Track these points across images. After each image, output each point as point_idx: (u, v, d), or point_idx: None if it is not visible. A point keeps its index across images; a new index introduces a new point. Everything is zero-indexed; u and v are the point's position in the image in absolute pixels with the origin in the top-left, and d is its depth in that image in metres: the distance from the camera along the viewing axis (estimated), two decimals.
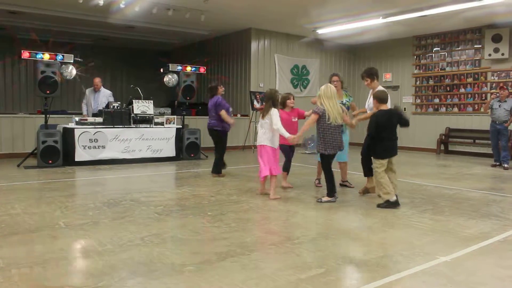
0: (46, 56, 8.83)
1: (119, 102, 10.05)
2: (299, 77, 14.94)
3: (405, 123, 5.81)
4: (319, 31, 13.44)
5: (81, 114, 10.61)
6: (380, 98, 5.68)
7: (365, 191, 6.27)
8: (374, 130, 5.61)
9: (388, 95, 5.90)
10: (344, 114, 5.85)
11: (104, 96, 10.54)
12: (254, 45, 13.91)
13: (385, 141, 5.61)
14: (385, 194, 5.51)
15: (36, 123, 10.26)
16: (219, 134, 7.94)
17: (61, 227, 4.43)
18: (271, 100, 6.11)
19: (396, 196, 5.59)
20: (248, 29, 13.85)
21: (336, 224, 4.88)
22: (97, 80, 10.52)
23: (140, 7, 10.49)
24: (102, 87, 10.63)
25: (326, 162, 5.85)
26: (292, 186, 6.87)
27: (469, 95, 12.98)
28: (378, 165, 5.58)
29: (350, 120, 6.09)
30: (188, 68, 10.83)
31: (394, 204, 5.49)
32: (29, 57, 8.76)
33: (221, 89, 8.15)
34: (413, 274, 3.29)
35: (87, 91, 10.65)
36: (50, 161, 8.75)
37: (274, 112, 5.99)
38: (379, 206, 5.54)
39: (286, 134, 5.88)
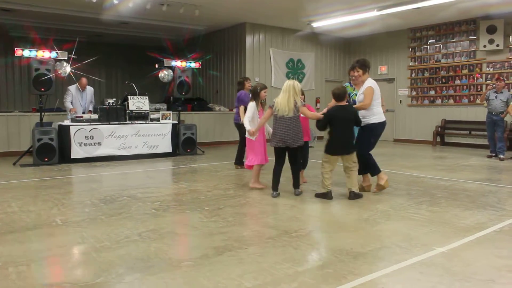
0: (40, 54, 8.77)
1: (114, 99, 10.00)
2: (295, 71, 14.92)
3: (358, 123, 5.76)
4: (314, 25, 13.41)
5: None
6: (336, 95, 5.58)
7: (361, 189, 6.05)
8: (323, 124, 5.61)
9: (374, 89, 5.75)
10: (302, 106, 5.65)
11: (90, 95, 10.39)
12: (249, 40, 13.87)
13: (335, 138, 5.57)
14: (322, 188, 5.64)
15: (31, 121, 10.21)
16: (239, 127, 8.16)
17: (58, 225, 4.42)
18: (252, 93, 6.39)
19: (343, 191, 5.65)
20: (242, 24, 13.81)
21: (333, 217, 4.88)
22: (85, 80, 10.19)
23: (134, 3, 10.43)
24: None
25: (275, 154, 5.89)
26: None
27: (465, 87, 13.00)
28: (324, 158, 5.66)
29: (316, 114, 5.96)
30: (183, 64, 10.80)
31: (326, 196, 5.59)
32: (22, 55, 8.70)
33: (247, 84, 8.29)
34: (411, 265, 3.30)
35: (72, 88, 10.10)
36: (46, 159, 8.72)
37: (248, 105, 6.31)
38: (316, 195, 5.71)
39: (248, 127, 6.09)
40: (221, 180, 7.09)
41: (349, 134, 5.63)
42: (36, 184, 6.88)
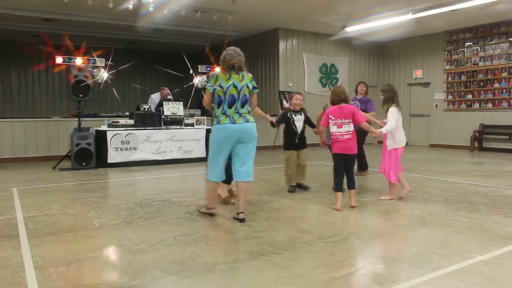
0: (79, 61, 9.03)
1: (150, 105, 10.20)
2: (328, 76, 14.84)
3: None
4: (348, 29, 13.30)
5: (114, 116, 10.82)
6: None
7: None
8: None
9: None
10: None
11: None
12: (282, 45, 13.89)
13: None
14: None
15: (70, 126, 10.51)
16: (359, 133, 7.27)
17: (96, 227, 4.52)
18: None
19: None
20: (275, 29, 13.85)
21: (368, 222, 4.81)
22: (167, 91, 11.22)
23: (169, 10, 10.61)
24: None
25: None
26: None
27: (504, 90, 12.61)
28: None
29: None
30: (217, 69, 10.89)
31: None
32: (62, 62, 8.98)
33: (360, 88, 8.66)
34: (450, 273, 3.21)
35: (154, 97, 11.15)
36: (84, 163, 8.94)
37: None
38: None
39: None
40: (254, 185, 7.09)
41: None
42: (75, 187, 7.07)
